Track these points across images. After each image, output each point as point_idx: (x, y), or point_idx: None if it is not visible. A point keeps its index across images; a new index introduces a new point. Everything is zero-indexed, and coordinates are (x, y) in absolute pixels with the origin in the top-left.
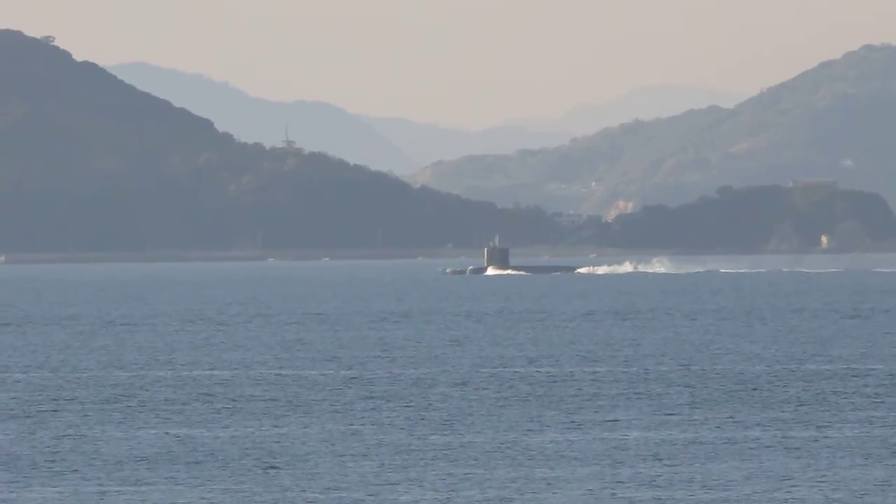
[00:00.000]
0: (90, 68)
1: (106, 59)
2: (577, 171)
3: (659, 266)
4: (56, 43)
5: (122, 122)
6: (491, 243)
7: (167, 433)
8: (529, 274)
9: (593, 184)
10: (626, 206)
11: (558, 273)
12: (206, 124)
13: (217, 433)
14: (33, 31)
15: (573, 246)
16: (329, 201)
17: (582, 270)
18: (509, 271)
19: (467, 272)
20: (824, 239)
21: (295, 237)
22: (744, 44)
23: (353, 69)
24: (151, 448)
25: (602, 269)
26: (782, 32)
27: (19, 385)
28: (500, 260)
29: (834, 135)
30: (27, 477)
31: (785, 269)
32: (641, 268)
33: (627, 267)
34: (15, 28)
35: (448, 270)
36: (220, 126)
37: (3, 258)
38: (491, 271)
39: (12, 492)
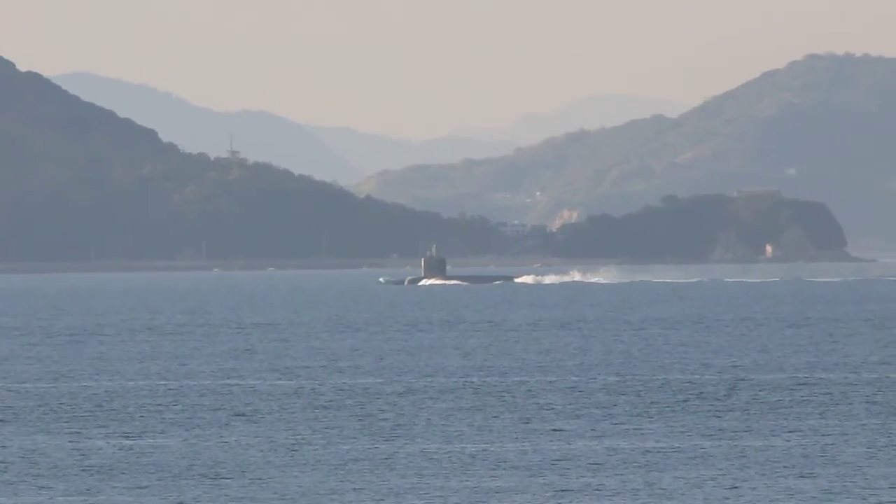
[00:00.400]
0: (34, 78)
1: (50, 69)
2: (522, 181)
3: (599, 277)
4: None
5: (67, 131)
6: (428, 253)
7: (114, 443)
8: (467, 284)
9: (538, 193)
10: (570, 215)
11: (496, 283)
12: (151, 134)
13: (163, 442)
14: None
15: (518, 255)
16: (274, 211)
17: (521, 280)
18: (446, 281)
19: (405, 282)
20: (769, 248)
21: (240, 247)
22: (688, 53)
23: (297, 79)
24: (99, 458)
25: (528, 279)
26: (726, 42)
27: None
28: (438, 270)
29: (778, 144)
30: None
31: (727, 279)
32: (580, 277)
33: (553, 278)
34: None
35: (382, 280)
36: (165, 136)
37: None
38: (428, 281)
39: None
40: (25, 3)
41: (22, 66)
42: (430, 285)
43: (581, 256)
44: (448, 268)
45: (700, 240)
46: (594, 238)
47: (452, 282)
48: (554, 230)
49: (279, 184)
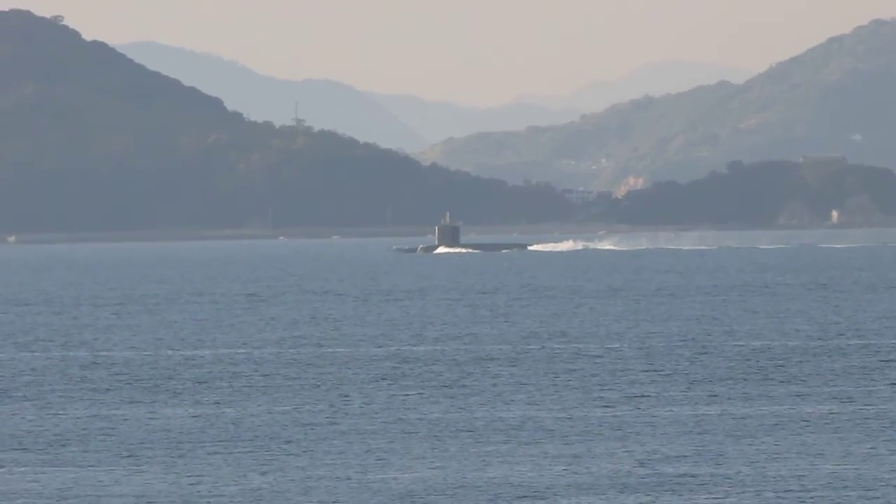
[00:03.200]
0: (99, 48)
1: (115, 38)
2: (588, 148)
3: (607, 244)
4: (65, 23)
5: (132, 101)
6: (442, 221)
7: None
8: (480, 252)
9: (603, 160)
10: (636, 182)
11: (509, 250)
12: (216, 103)
13: (249, 410)
14: (42, 10)
15: (583, 223)
16: (339, 179)
17: (535, 248)
18: (460, 249)
19: (418, 250)
20: (834, 214)
21: (305, 215)
22: (753, 19)
23: (362, 46)
24: (176, 427)
25: (556, 246)
26: (792, 7)
27: (53, 363)
28: (451, 238)
29: (843, 109)
30: (41, 456)
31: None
32: (591, 245)
33: (575, 245)
34: (24, 8)
35: (395, 248)
36: (230, 105)
37: (13, 238)
38: (442, 249)
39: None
40: None
41: (87, 36)
42: (445, 253)
43: (647, 223)
44: (462, 236)
45: (765, 206)
46: (660, 205)
47: (466, 250)
48: (620, 197)
49: (344, 152)
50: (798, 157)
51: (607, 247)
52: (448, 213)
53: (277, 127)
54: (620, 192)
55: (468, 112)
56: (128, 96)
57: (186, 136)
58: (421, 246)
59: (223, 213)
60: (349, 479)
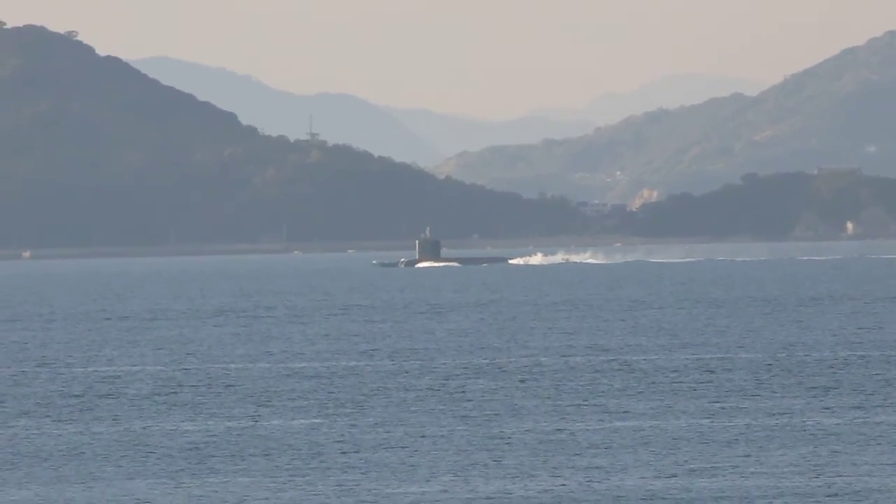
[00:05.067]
0: (114, 63)
1: (129, 53)
2: (602, 161)
3: (590, 257)
4: (79, 38)
5: (146, 116)
6: (423, 235)
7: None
8: (461, 265)
9: (618, 173)
10: (650, 194)
11: (488, 264)
12: (230, 118)
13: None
14: (57, 26)
15: (598, 235)
16: (353, 193)
17: (514, 261)
18: (441, 263)
19: (399, 264)
20: (849, 225)
21: (320, 230)
22: (767, 31)
23: (376, 60)
24: (196, 440)
25: (535, 259)
26: (806, 19)
27: (73, 379)
28: (432, 252)
29: (858, 121)
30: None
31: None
32: (572, 259)
33: (559, 257)
34: (38, 23)
35: (375, 263)
36: (244, 119)
37: (27, 253)
38: (423, 263)
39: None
40: None
41: (102, 51)
42: (427, 267)
43: (661, 235)
44: (443, 250)
45: (780, 218)
46: (675, 217)
47: (446, 263)
48: (634, 209)
49: (359, 166)
50: (813, 168)
51: (588, 260)
52: (429, 228)
53: (292, 141)
54: (635, 204)
55: (483, 125)
56: (142, 111)
57: (201, 150)
58: (402, 260)
59: (238, 227)
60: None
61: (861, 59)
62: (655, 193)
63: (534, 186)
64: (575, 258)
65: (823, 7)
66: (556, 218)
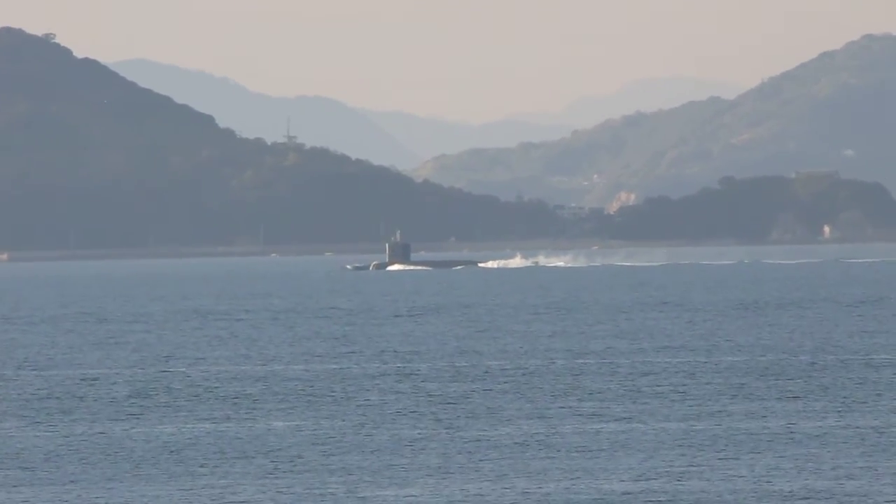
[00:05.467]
0: (91, 65)
1: (107, 55)
2: (580, 164)
3: (558, 261)
4: (56, 40)
5: (124, 118)
6: (393, 238)
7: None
8: (431, 269)
9: (595, 176)
10: (628, 197)
11: (460, 267)
12: (208, 120)
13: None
14: (34, 28)
15: (576, 238)
16: (331, 196)
17: (485, 265)
18: (411, 266)
19: (370, 268)
20: (827, 229)
21: (297, 232)
22: (744, 34)
23: (353, 63)
24: (176, 444)
25: (493, 263)
26: (783, 22)
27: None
28: (402, 255)
29: (835, 125)
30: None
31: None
32: (541, 262)
33: (520, 261)
34: (15, 26)
35: (349, 267)
36: (222, 122)
37: (5, 256)
38: (394, 267)
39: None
40: None
41: (79, 54)
42: (397, 270)
43: (639, 238)
44: (413, 254)
45: (758, 221)
46: (652, 220)
47: (417, 267)
48: (612, 213)
49: (336, 169)
50: (790, 172)
51: (558, 264)
52: (399, 231)
53: (269, 144)
54: (612, 207)
55: (460, 128)
56: (120, 114)
57: (178, 153)
58: (374, 263)
59: (215, 230)
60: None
61: (839, 62)
62: (633, 197)
63: (511, 189)
64: (544, 262)
65: (801, 11)
66: (534, 221)
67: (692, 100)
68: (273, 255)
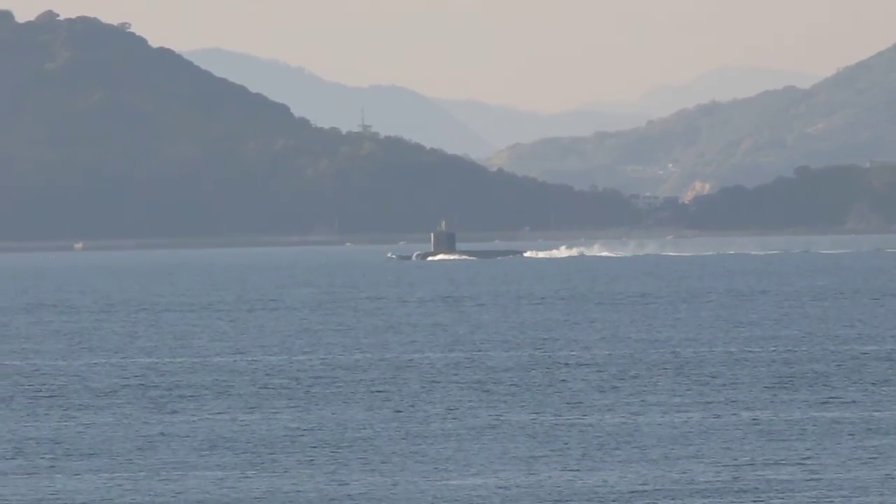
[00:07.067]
0: (166, 54)
1: (181, 45)
2: (654, 153)
3: (602, 250)
4: (132, 30)
5: (198, 107)
6: (438, 228)
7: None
8: (476, 259)
9: (670, 165)
10: (703, 187)
11: (504, 257)
12: (283, 109)
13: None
14: (109, 18)
15: (651, 228)
16: (406, 185)
17: (530, 254)
18: (456, 256)
19: (413, 257)
20: None
21: (372, 221)
22: (820, 23)
23: (427, 53)
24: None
25: (551, 253)
26: (858, 12)
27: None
28: (448, 245)
29: None
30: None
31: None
32: (586, 252)
33: (567, 252)
34: (91, 15)
35: (392, 256)
36: (297, 111)
37: (80, 245)
38: (439, 256)
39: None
40: None
41: (154, 43)
42: (441, 260)
43: (714, 228)
44: (458, 243)
45: (833, 210)
46: (727, 210)
47: (461, 257)
48: (686, 202)
49: (411, 158)
50: (865, 161)
51: (603, 253)
52: (444, 220)
53: (344, 133)
54: (687, 197)
55: (534, 117)
56: (194, 103)
57: (253, 142)
58: (417, 253)
59: (290, 219)
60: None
61: None
62: (708, 186)
63: (586, 179)
64: (588, 252)
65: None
66: (608, 210)
67: (767, 89)
68: (348, 244)
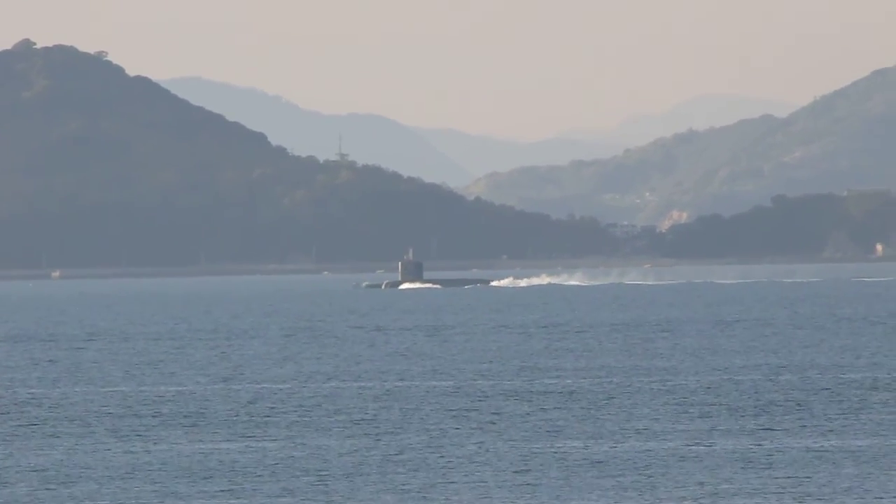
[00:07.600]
0: (143, 83)
1: (159, 73)
2: (632, 182)
3: (571, 279)
4: (109, 58)
5: (176, 136)
6: (405, 257)
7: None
8: (442, 287)
9: (647, 194)
10: (680, 216)
11: (471, 286)
12: (260, 138)
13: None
14: (86, 46)
15: (628, 256)
16: (383, 214)
17: (497, 283)
18: (423, 285)
19: (383, 286)
20: (879, 247)
21: (350, 250)
22: (796, 53)
23: (405, 81)
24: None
25: (506, 282)
26: (835, 41)
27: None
28: (415, 273)
29: (888, 142)
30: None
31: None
32: (556, 281)
33: (543, 279)
34: (69, 44)
35: (364, 284)
36: (274, 139)
37: (57, 273)
38: (406, 285)
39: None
40: (134, 9)
41: (131, 71)
42: (409, 289)
43: (691, 257)
44: (424, 272)
45: (810, 239)
46: (704, 238)
47: (428, 285)
48: (664, 231)
49: (388, 186)
50: (842, 190)
51: (573, 283)
52: (411, 249)
53: (321, 161)
54: (664, 225)
55: (511, 146)
56: (172, 131)
57: (230, 171)
58: (386, 281)
59: (267, 247)
60: None
61: (891, 79)
62: (685, 215)
63: (563, 207)
64: (556, 280)
65: (853, 28)
66: (586, 239)
67: (744, 118)
68: (325, 272)
